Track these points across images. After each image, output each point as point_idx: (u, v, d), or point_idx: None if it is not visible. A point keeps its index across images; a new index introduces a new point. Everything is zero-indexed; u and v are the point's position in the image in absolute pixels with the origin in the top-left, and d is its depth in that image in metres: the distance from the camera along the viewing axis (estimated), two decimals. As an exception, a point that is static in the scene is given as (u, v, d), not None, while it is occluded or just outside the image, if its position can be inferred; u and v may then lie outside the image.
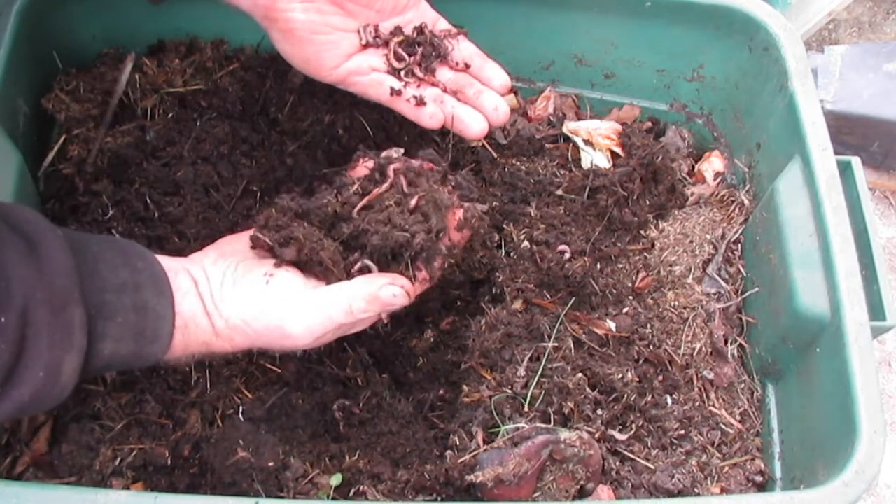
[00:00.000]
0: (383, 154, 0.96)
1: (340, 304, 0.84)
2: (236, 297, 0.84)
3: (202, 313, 0.83)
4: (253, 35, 1.16)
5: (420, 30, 1.04)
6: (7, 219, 0.73)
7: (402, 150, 0.98)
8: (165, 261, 0.84)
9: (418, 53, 1.03)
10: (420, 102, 1.02)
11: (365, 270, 0.89)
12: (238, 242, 0.93)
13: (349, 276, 0.89)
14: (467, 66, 1.05)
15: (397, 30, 1.03)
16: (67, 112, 1.14)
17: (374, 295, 0.85)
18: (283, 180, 1.15)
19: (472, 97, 1.03)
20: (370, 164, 0.96)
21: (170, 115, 1.17)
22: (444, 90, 1.04)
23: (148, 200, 1.10)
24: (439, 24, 1.06)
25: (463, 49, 1.05)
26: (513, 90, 1.32)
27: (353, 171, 0.97)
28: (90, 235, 0.82)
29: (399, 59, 1.02)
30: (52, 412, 0.98)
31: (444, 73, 1.05)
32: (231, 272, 0.86)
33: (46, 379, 0.70)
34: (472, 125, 1.02)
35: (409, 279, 0.90)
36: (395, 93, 1.02)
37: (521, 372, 0.99)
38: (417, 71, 1.03)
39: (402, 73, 1.03)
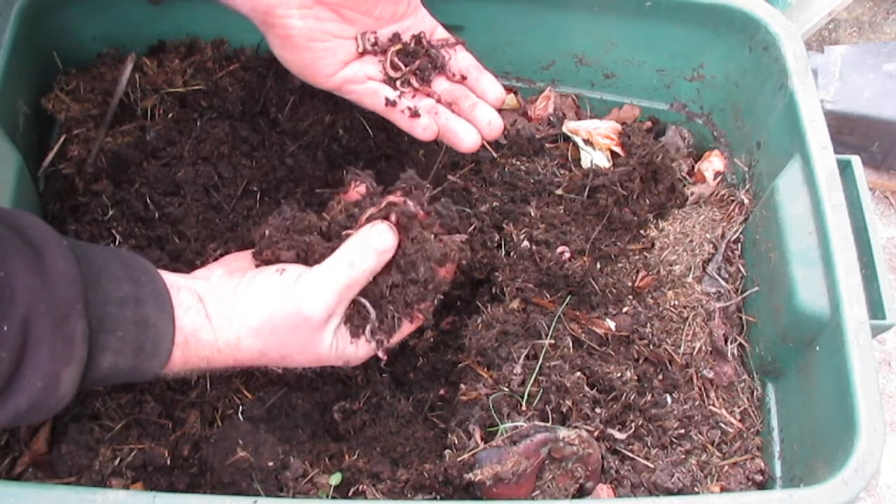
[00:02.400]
0: (386, 201, 0.96)
1: (342, 262, 0.86)
2: (251, 296, 0.85)
3: (205, 328, 0.83)
4: (253, 35, 1.16)
5: (418, 39, 1.03)
6: (13, 225, 0.73)
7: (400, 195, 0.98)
8: (168, 276, 0.84)
9: (415, 63, 1.02)
10: (414, 114, 1.01)
11: (362, 309, 0.91)
12: (242, 261, 0.94)
13: None
14: (463, 78, 1.04)
15: (395, 37, 1.03)
16: (67, 112, 1.14)
17: (366, 240, 0.88)
18: (283, 181, 1.15)
19: (466, 110, 1.03)
20: (362, 189, 0.97)
21: (170, 115, 1.17)
22: (439, 101, 1.04)
23: (148, 201, 1.10)
24: (438, 32, 1.05)
25: (460, 60, 1.05)
26: (513, 91, 1.32)
27: (345, 196, 0.98)
28: (94, 245, 0.82)
29: (395, 68, 1.02)
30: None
31: (439, 84, 1.04)
32: (243, 281, 0.87)
33: (45, 389, 0.70)
34: (465, 138, 1.02)
35: (399, 314, 0.93)
36: (390, 103, 1.02)
37: (518, 370, 0.99)
38: (413, 81, 1.02)
39: (398, 83, 1.02)
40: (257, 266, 0.91)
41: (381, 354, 0.93)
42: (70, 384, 0.72)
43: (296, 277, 0.86)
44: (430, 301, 0.93)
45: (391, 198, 0.94)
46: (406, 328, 0.94)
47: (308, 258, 0.90)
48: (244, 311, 0.84)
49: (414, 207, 0.94)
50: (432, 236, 0.93)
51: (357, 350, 0.91)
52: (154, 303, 0.79)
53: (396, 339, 0.94)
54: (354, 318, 0.91)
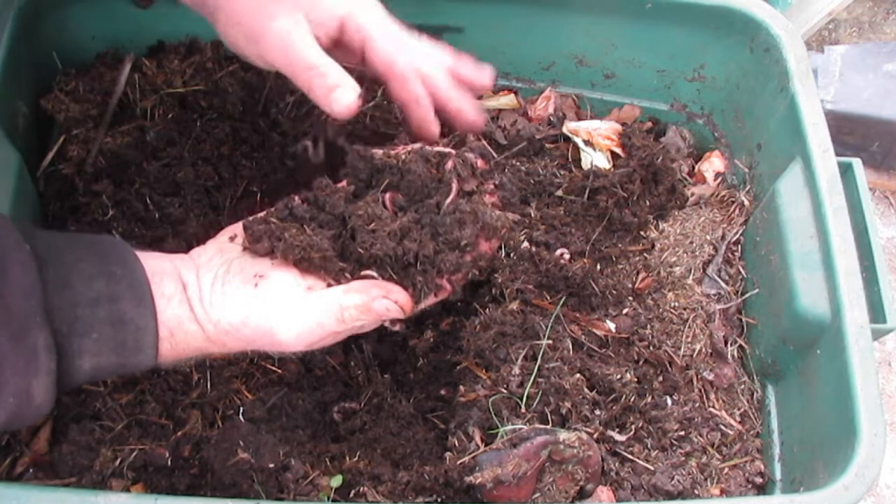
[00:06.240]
0: (438, 149, 0.87)
1: (332, 312, 0.79)
2: (224, 300, 0.79)
3: (190, 320, 0.78)
4: (253, 35, 1.16)
5: None
6: None
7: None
8: (154, 262, 0.79)
9: None
10: None
11: (368, 276, 0.83)
12: (241, 233, 0.87)
13: (352, 274, 0.83)
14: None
15: None
16: (67, 112, 1.14)
17: (366, 305, 0.80)
18: (283, 182, 1.15)
19: None
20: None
21: (170, 115, 1.16)
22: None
23: (148, 201, 1.10)
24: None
25: None
26: (513, 91, 1.32)
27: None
28: (68, 240, 0.78)
29: None
30: (51, 412, 0.98)
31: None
32: (223, 272, 0.81)
33: (18, 403, 0.69)
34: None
35: (427, 287, 0.84)
36: None
37: (516, 371, 0.99)
38: None
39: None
40: (244, 250, 0.84)
41: (396, 328, 0.84)
42: (44, 394, 0.70)
43: (274, 295, 0.79)
44: (464, 272, 0.83)
45: (446, 149, 0.85)
46: (429, 300, 0.85)
47: (291, 258, 0.81)
48: (218, 310, 0.79)
49: (474, 157, 0.84)
50: (485, 201, 0.84)
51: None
52: (131, 298, 0.75)
53: (416, 309, 0.85)
54: None
